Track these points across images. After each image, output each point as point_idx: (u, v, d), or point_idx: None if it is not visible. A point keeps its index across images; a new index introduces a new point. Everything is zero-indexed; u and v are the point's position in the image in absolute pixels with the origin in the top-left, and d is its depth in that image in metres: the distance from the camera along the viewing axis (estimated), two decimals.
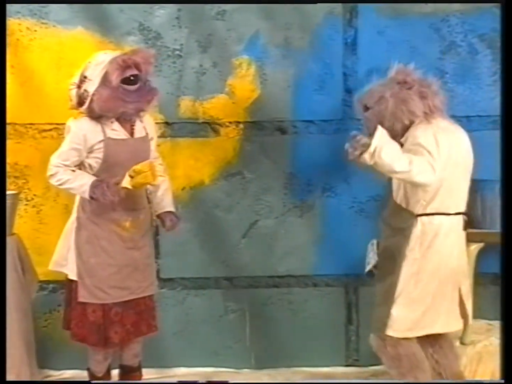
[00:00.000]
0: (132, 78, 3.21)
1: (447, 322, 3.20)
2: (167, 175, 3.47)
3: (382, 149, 2.92)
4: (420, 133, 3.08)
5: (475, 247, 3.60)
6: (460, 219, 3.18)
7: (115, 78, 3.18)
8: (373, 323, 3.20)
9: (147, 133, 3.38)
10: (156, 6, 3.81)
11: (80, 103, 3.25)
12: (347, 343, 4.00)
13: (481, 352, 3.60)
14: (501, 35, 3.02)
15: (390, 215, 3.20)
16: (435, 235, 3.10)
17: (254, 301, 3.97)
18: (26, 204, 3.86)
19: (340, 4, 3.83)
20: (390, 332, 3.11)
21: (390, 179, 3.21)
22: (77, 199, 3.37)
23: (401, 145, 3.13)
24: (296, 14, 3.84)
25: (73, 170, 3.27)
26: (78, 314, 3.32)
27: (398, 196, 3.15)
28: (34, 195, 3.87)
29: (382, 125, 3.10)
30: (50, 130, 3.85)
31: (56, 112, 3.82)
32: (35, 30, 3.80)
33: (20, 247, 3.64)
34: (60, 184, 3.28)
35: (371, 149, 2.91)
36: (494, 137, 3.79)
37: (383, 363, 3.21)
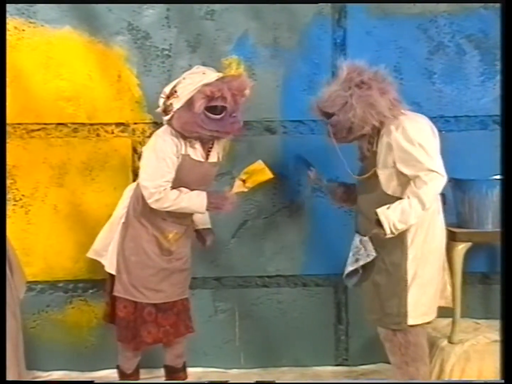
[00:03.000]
0: (217, 107, 3.22)
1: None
2: None
3: (395, 224, 2.98)
4: (409, 130, 3.05)
5: (463, 247, 3.59)
6: (439, 196, 3.18)
7: (198, 106, 3.19)
8: (385, 318, 3.16)
9: (218, 159, 3.43)
10: (145, 5, 3.80)
11: (165, 112, 3.28)
12: (336, 343, 4.00)
13: (469, 351, 3.59)
14: (501, 34, 3.02)
15: (378, 207, 3.10)
16: (431, 216, 3.12)
17: (243, 301, 3.96)
18: (14, 205, 3.84)
19: (329, 4, 3.84)
20: (410, 321, 3.11)
21: (362, 180, 3.22)
22: (127, 195, 3.40)
23: (372, 146, 3.14)
24: (285, 14, 3.83)
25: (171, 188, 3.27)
26: (112, 308, 3.39)
27: (390, 187, 3.11)
28: (22, 195, 3.85)
29: (351, 131, 3.12)
30: (38, 130, 3.83)
31: (44, 112, 3.81)
32: (23, 30, 3.77)
33: (8, 248, 3.61)
34: (168, 207, 3.26)
35: (387, 232, 2.99)
36: (482, 137, 3.84)
37: (388, 350, 3.20)
